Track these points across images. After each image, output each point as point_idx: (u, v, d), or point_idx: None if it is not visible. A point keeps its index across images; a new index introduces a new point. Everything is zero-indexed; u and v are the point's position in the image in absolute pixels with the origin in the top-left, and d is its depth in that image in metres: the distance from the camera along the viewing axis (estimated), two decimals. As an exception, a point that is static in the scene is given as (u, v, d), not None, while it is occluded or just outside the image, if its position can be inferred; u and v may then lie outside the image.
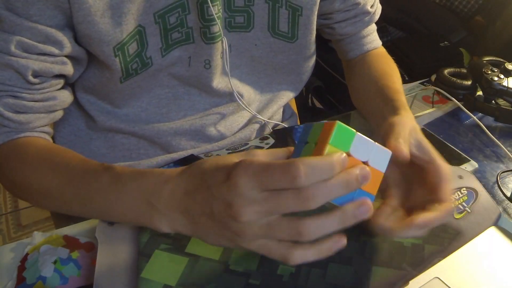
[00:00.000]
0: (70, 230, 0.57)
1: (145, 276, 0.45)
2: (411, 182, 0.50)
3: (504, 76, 0.79)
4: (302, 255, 0.38)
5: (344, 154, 0.38)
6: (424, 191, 0.48)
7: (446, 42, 1.39)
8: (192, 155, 0.68)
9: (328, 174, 0.37)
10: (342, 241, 0.40)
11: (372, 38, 0.79)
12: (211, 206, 0.39)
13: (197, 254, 0.48)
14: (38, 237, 0.55)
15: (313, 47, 0.75)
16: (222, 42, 0.64)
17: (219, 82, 0.68)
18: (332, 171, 0.37)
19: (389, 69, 0.73)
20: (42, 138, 0.59)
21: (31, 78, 0.54)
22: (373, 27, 0.80)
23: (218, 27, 0.62)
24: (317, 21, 0.75)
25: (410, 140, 0.50)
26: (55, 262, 0.50)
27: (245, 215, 0.37)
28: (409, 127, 0.51)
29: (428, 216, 0.44)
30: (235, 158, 0.41)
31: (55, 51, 0.55)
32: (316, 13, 0.69)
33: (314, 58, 0.78)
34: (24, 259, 0.52)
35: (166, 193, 0.43)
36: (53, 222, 0.75)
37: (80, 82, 0.66)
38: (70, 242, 0.54)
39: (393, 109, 0.58)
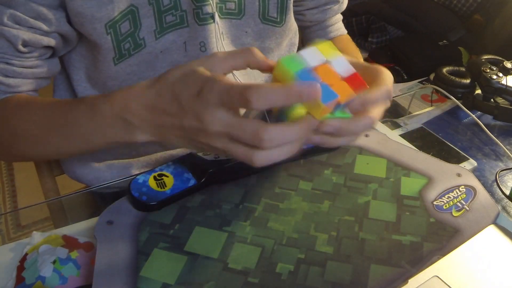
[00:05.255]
0: (69, 229, 0.57)
1: (144, 274, 0.45)
2: None
3: (503, 74, 0.79)
4: (265, 155, 0.40)
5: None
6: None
7: (444, 41, 1.40)
8: (190, 153, 0.68)
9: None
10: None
11: (339, 26, 0.84)
12: (181, 119, 0.43)
13: (195, 252, 0.48)
14: (37, 237, 0.55)
15: (294, 23, 0.78)
16: (215, 21, 0.65)
17: None
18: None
19: (349, 47, 0.79)
20: (26, 95, 0.63)
21: (20, 47, 0.58)
22: (339, 17, 0.84)
23: (211, 7, 0.63)
24: None
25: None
26: (54, 262, 0.50)
27: (212, 124, 0.40)
28: None
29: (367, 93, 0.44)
30: (195, 65, 0.43)
31: (44, 27, 0.58)
32: None
33: (298, 33, 0.81)
34: (23, 259, 0.52)
35: (138, 108, 0.46)
36: (52, 222, 0.75)
37: (79, 74, 0.68)
38: (69, 242, 0.54)
39: None
